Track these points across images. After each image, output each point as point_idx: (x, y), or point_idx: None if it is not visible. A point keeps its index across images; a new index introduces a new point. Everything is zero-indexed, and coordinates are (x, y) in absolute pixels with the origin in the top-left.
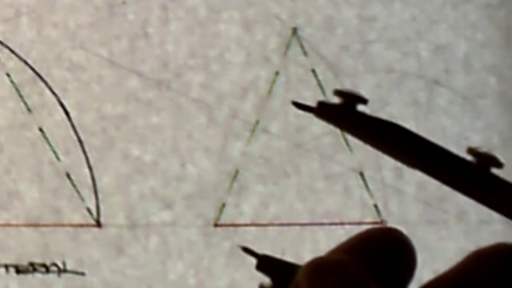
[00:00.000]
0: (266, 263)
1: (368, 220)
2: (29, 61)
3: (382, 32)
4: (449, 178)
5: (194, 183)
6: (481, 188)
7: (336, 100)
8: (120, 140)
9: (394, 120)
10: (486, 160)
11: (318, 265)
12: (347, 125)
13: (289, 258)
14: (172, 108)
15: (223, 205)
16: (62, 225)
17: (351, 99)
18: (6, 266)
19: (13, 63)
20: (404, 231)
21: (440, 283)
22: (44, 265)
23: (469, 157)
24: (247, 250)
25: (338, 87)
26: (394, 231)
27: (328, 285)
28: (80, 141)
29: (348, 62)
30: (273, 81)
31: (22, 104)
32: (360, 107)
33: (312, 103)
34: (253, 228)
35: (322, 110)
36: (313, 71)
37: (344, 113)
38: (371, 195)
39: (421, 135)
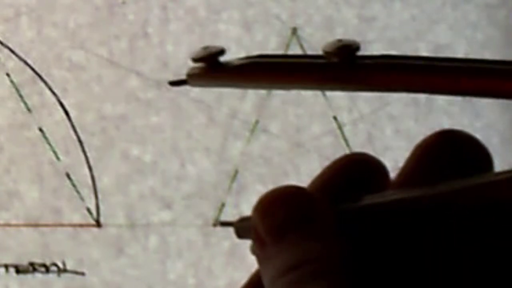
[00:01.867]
0: (243, 228)
1: None
2: (29, 61)
3: (382, 32)
4: (323, 84)
5: (193, 183)
6: (353, 78)
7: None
8: (120, 140)
9: (393, 120)
10: (346, 52)
11: (268, 201)
12: (220, 81)
13: None
14: (172, 108)
15: (223, 205)
16: (62, 225)
17: (210, 58)
18: (6, 266)
19: (13, 63)
20: None
21: (396, 183)
22: (44, 265)
23: (335, 59)
24: (223, 224)
25: None
26: (360, 154)
27: (280, 219)
28: (80, 141)
29: None
30: None
31: (22, 104)
32: (222, 58)
33: (312, 103)
34: None
35: (193, 79)
36: None
37: (212, 72)
38: None
39: (282, 57)
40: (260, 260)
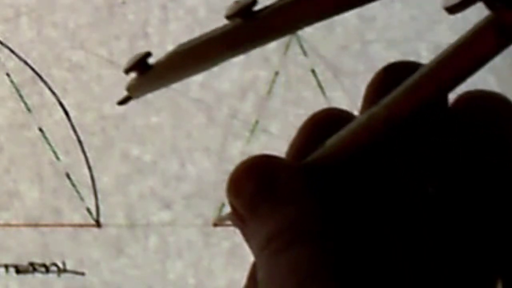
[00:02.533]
0: None
1: None
2: (29, 61)
3: (382, 32)
4: (237, 49)
5: (193, 183)
6: (259, 31)
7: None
8: (120, 140)
9: None
10: (244, 9)
11: (237, 176)
12: (158, 83)
13: None
14: (171, 108)
15: (223, 205)
16: (62, 225)
17: (139, 64)
18: (6, 266)
19: (13, 63)
20: None
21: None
22: (44, 265)
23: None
24: (219, 223)
25: (338, 87)
26: (330, 110)
27: (251, 192)
28: (79, 141)
29: (348, 62)
30: (273, 81)
31: (22, 104)
32: (151, 60)
33: (312, 103)
34: None
35: (133, 91)
36: (313, 71)
37: (146, 78)
38: None
39: (195, 40)
40: (244, 238)
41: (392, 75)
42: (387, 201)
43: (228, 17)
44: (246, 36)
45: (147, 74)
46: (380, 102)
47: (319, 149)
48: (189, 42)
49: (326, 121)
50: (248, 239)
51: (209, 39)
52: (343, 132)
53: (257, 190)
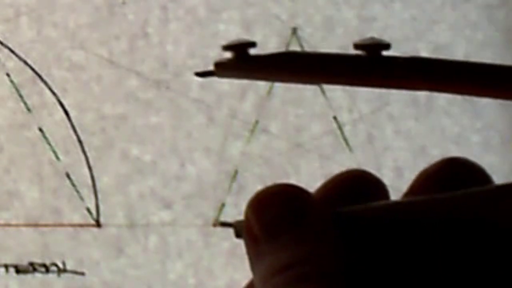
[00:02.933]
0: (241, 227)
1: None
2: (29, 61)
3: (382, 32)
4: (350, 78)
5: (193, 183)
6: (378, 72)
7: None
8: (120, 140)
9: (393, 120)
10: (374, 48)
11: (264, 197)
12: (249, 73)
13: None
14: (171, 108)
15: (223, 205)
16: (62, 225)
17: (240, 48)
18: (6, 266)
19: (13, 63)
20: None
21: None
22: (44, 265)
23: (360, 52)
24: (223, 224)
25: (338, 87)
26: (363, 171)
27: (275, 217)
28: (79, 141)
29: None
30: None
31: (22, 104)
32: (252, 50)
33: (312, 103)
34: None
35: (221, 70)
36: None
37: (240, 63)
38: None
39: (311, 51)
40: (251, 257)
41: (451, 171)
42: (408, 273)
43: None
44: (366, 72)
45: (242, 61)
46: (438, 197)
47: (354, 206)
48: (304, 52)
49: (361, 181)
50: (255, 260)
51: (325, 56)
52: (387, 202)
53: (284, 218)
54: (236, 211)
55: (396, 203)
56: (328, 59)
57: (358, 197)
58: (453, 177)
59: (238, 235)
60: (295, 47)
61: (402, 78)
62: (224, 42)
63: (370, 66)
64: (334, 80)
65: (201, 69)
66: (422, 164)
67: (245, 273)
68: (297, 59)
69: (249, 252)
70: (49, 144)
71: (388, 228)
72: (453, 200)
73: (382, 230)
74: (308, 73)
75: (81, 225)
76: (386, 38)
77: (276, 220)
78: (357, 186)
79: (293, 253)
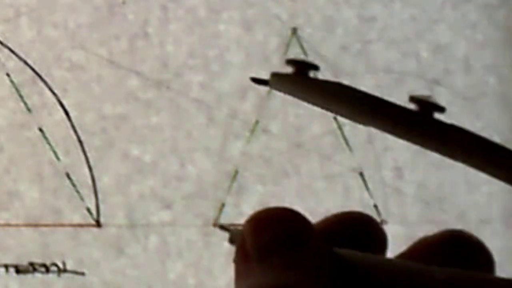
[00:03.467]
0: (236, 236)
1: None
2: (29, 61)
3: (382, 32)
4: (397, 128)
5: (193, 183)
6: (426, 133)
7: (289, 69)
8: (120, 140)
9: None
10: (428, 107)
11: (262, 217)
12: (302, 92)
13: None
14: (171, 108)
15: (223, 205)
16: (62, 225)
17: (302, 66)
18: (6, 266)
19: (13, 63)
20: (404, 231)
21: None
22: (44, 265)
23: (412, 106)
24: (222, 227)
25: None
26: (368, 217)
27: (270, 239)
28: (80, 141)
29: (348, 62)
30: None
31: (22, 104)
32: (312, 74)
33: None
34: None
35: (275, 81)
36: None
37: (297, 81)
38: (371, 195)
39: (369, 92)
40: (239, 272)
41: (454, 246)
42: None
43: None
44: (412, 128)
45: (299, 79)
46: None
47: (354, 252)
48: (357, 90)
49: (364, 225)
50: (242, 276)
51: (379, 101)
52: (389, 260)
53: (281, 241)
54: (236, 211)
55: (397, 265)
56: (379, 103)
57: (357, 240)
58: (455, 253)
59: (231, 241)
60: (295, 47)
61: (441, 144)
62: (226, 42)
63: (418, 124)
64: (378, 125)
65: (201, 69)
66: (422, 164)
67: None
68: (349, 94)
69: (237, 267)
70: (49, 144)
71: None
72: (452, 280)
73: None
74: (356, 110)
75: (81, 225)
76: (386, 38)
77: (272, 242)
78: (359, 229)
79: (282, 277)
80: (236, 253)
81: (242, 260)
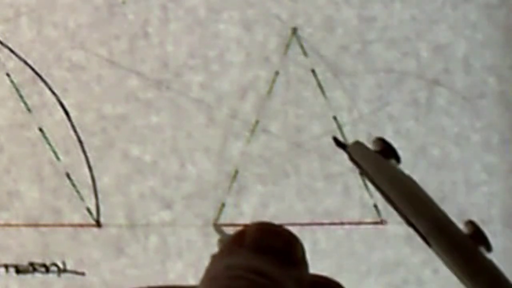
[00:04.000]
0: (357, 150)
1: (368, 220)
2: (29, 61)
3: (382, 32)
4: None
5: (193, 183)
6: (465, 263)
7: (373, 145)
8: (120, 140)
9: (393, 120)
10: (478, 238)
11: (271, 229)
12: (374, 172)
13: None
14: (171, 108)
15: (223, 205)
16: (62, 225)
17: (388, 151)
18: (6, 266)
19: (13, 63)
20: (404, 231)
21: None
22: (44, 265)
23: (465, 229)
24: (217, 228)
25: (338, 87)
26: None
27: (273, 248)
28: (80, 141)
29: (348, 62)
30: (273, 81)
31: (22, 104)
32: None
33: (312, 103)
34: None
35: (356, 150)
36: (313, 71)
37: (376, 161)
38: (371, 195)
39: (438, 207)
40: (223, 251)
41: None
42: None
43: (467, 223)
44: (457, 247)
45: (378, 160)
46: None
47: None
48: (428, 202)
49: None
50: (225, 254)
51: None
52: None
53: (278, 249)
54: (236, 211)
55: None
56: (439, 224)
57: None
58: None
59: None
60: (295, 47)
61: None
62: (226, 42)
63: (465, 253)
64: (432, 244)
65: (201, 69)
66: (422, 164)
67: None
68: (416, 199)
69: (222, 247)
70: (49, 144)
71: None
72: None
73: None
74: (414, 217)
75: (81, 225)
76: (386, 38)
77: (267, 243)
78: None
79: (267, 265)
80: (227, 239)
81: (233, 244)
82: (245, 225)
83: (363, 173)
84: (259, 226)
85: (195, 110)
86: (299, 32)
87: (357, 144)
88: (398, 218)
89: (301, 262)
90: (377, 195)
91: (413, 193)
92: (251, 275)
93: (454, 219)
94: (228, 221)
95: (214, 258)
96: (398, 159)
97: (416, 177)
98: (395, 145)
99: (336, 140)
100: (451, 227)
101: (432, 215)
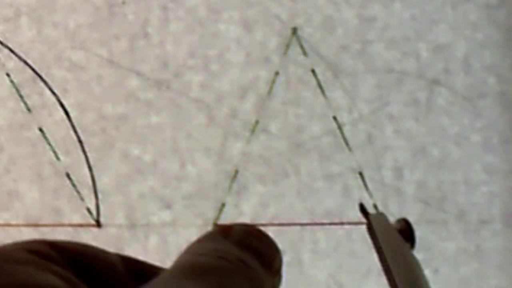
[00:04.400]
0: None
1: None
2: (29, 61)
3: (382, 32)
4: None
5: (193, 183)
6: None
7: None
8: (120, 140)
9: (393, 120)
10: (406, 234)
11: (256, 233)
12: (387, 247)
13: (288, 258)
14: (172, 108)
15: (223, 205)
16: (62, 225)
17: (407, 233)
18: None
19: (13, 63)
20: None
21: None
22: None
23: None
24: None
25: (338, 87)
26: None
27: (257, 249)
28: (80, 141)
29: (348, 62)
30: (273, 81)
31: (22, 104)
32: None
33: (312, 103)
34: None
35: (376, 222)
36: (313, 71)
37: (394, 237)
38: (371, 195)
39: None
40: (205, 236)
41: None
42: None
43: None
44: None
45: (397, 238)
46: None
47: None
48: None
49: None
50: (204, 238)
51: None
52: None
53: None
54: (236, 211)
55: None
56: None
57: None
58: None
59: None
60: (295, 47)
61: None
62: (226, 42)
63: None
64: None
65: (201, 69)
66: (422, 164)
67: None
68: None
69: (208, 234)
70: (49, 144)
71: None
72: None
73: None
74: None
75: (81, 225)
76: (386, 38)
77: (251, 242)
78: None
79: (250, 260)
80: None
81: (217, 233)
82: (234, 224)
83: (376, 246)
84: (246, 227)
85: (195, 110)
86: (299, 32)
87: (381, 216)
88: (398, 218)
89: (278, 272)
90: (377, 195)
91: (416, 284)
92: (238, 262)
93: (454, 218)
94: (228, 221)
95: (199, 240)
96: (413, 244)
97: (416, 177)
98: (395, 145)
99: (362, 207)
100: None
101: None
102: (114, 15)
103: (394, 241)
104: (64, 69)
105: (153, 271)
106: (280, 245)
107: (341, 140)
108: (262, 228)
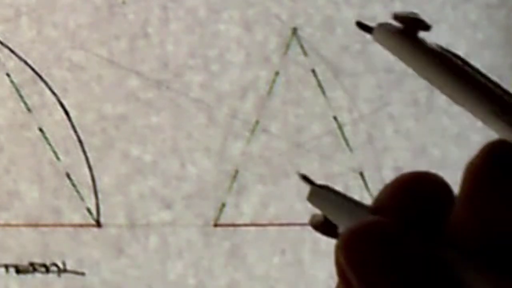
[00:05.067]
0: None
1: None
2: (29, 61)
3: None
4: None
5: (194, 183)
6: (409, 50)
7: (396, 24)
8: (120, 140)
9: (393, 120)
10: (413, 24)
11: (353, 235)
12: (404, 52)
13: (289, 258)
14: (172, 108)
15: (223, 205)
16: (62, 225)
17: (413, 24)
18: (6, 266)
19: (13, 63)
20: None
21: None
22: (44, 265)
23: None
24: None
25: (338, 87)
26: (429, 175)
27: (369, 254)
28: (80, 141)
29: (348, 62)
30: (273, 81)
31: (22, 104)
32: (422, 34)
33: (312, 103)
34: (252, 228)
35: (380, 32)
36: (313, 71)
37: (403, 39)
38: (371, 195)
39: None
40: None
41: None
42: None
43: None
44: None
45: (406, 38)
46: None
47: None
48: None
49: (425, 185)
50: None
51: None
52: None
53: (378, 261)
54: (236, 211)
55: None
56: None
57: (425, 204)
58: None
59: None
60: (295, 47)
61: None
62: (226, 42)
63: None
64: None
65: (201, 69)
66: (422, 164)
67: (245, 273)
68: (456, 69)
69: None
70: (49, 144)
71: None
72: None
73: None
74: (457, 91)
75: (81, 225)
76: None
77: (369, 264)
78: (423, 192)
79: None
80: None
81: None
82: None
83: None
84: (345, 253)
85: (195, 110)
86: (299, 32)
87: (382, 26)
88: None
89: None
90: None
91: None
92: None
93: None
94: (228, 221)
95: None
96: (427, 27)
97: None
98: (395, 145)
99: (359, 23)
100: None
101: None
102: (114, 15)
103: (406, 44)
104: (64, 69)
105: None
106: (280, 245)
107: (342, 140)
108: (262, 228)
